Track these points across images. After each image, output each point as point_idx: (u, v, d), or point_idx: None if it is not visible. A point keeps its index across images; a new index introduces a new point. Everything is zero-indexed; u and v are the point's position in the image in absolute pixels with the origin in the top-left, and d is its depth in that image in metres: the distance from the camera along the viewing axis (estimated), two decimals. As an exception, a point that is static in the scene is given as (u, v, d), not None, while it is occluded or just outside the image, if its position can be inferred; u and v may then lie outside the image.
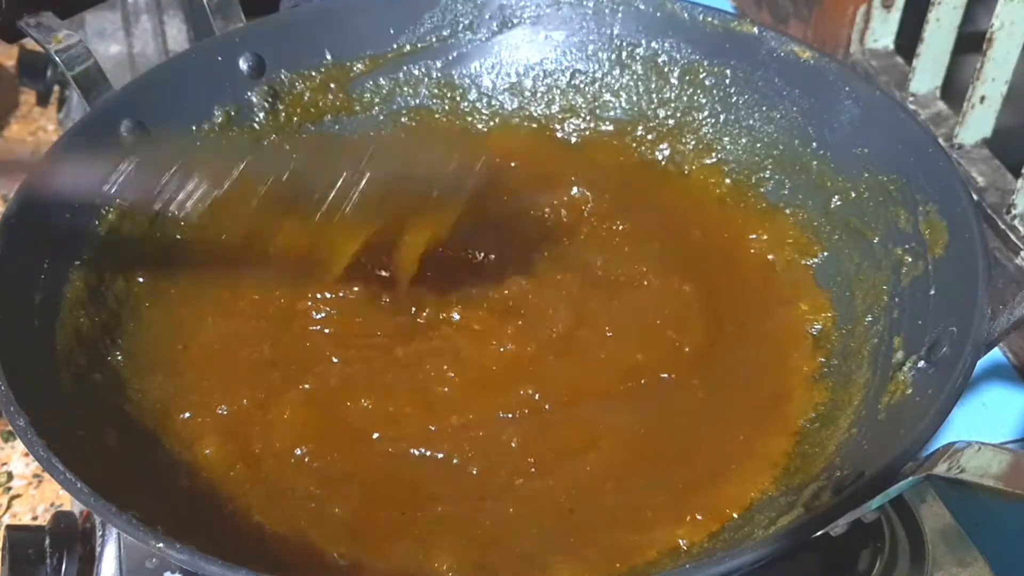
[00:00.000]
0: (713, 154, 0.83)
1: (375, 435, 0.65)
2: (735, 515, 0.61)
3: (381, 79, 0.85)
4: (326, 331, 0.71)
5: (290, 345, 0.71)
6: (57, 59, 0.72)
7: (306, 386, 0.67)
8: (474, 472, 0.63)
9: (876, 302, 0.70)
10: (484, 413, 0.66)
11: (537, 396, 0.67)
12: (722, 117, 0.84)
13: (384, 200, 0.68)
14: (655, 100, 0.86)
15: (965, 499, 0.68)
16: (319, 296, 0.72)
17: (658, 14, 0.84)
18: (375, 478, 0.63)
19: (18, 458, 0.99)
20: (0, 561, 0.67)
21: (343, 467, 0.64)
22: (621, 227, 0.78)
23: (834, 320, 0.72)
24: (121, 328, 0.70)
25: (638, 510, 0.62)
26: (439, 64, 0.86)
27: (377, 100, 0.85)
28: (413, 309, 0.71)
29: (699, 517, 0.61)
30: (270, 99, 0.82)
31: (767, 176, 0.81)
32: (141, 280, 0.73)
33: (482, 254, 0.76)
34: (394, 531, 0.61)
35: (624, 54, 0.86)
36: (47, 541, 0.67)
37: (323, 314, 0.71)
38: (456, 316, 0.71)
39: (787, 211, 0.79)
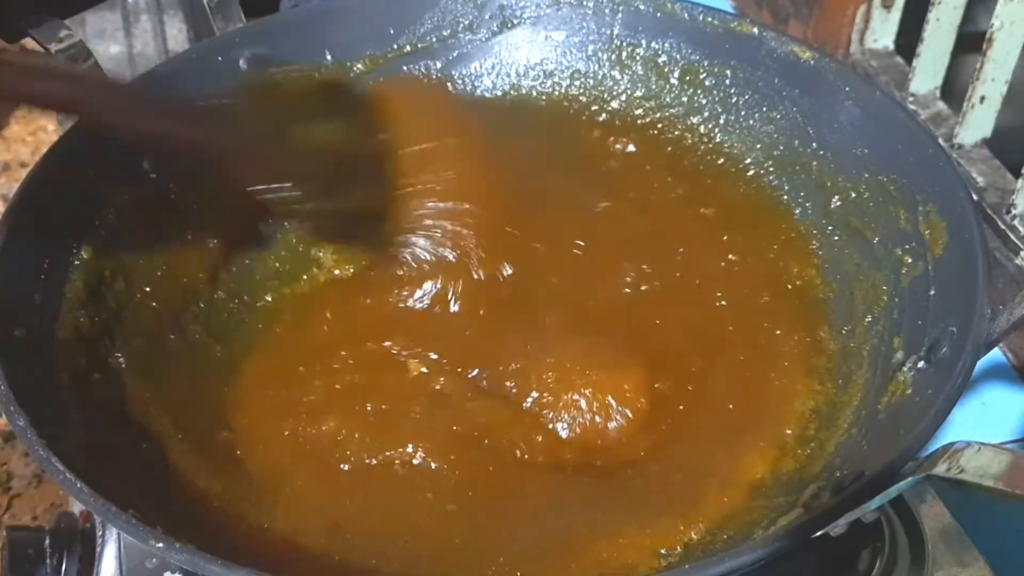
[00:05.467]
0: (714, 154, 0.83)
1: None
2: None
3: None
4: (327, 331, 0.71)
5: (290, 343, 0.71)
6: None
7: (309, 398, 0.67)
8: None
9: (876, 302, 0.70)
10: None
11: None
12: (722, 118, 0.84)
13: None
14: (655, 101, 0.86)
15: (965, 499, 0.68)
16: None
17: (658, 14, 0.84)
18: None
19: (18, 458, 0.99)
20: (0, 561, 0.67)
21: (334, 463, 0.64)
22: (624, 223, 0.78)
23: (832, 323, 0.72)
24: (121, 328, 0.70)
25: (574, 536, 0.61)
26: (439, 64, 0.86)
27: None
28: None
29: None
30: (270, 99, 0.82)
31: (768, 177, 0.81)
32: (142, 281, 0.73)
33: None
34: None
35: (624, 54, 0.86)
36: (47, 541, 0.67)
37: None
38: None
39: (787, 211, 0.79)
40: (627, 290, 0.74)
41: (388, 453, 0.64)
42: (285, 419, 0.66)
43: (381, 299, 0.73)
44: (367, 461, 0.64)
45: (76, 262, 0.69)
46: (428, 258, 0.72)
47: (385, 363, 0.70)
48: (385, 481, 0.64)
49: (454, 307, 0.72)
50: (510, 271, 0.73)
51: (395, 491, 0.63)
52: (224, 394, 0.69)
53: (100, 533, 0.66)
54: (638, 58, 0.86)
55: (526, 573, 0.59)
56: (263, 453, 0.65)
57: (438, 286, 0.72)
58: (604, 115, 0.87)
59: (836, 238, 0.76)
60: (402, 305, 0.72)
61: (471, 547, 0.60)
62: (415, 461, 0.64)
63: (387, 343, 0.70)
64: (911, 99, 1.00)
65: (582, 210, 0.79)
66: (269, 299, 0.75)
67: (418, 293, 0.72)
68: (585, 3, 0.86)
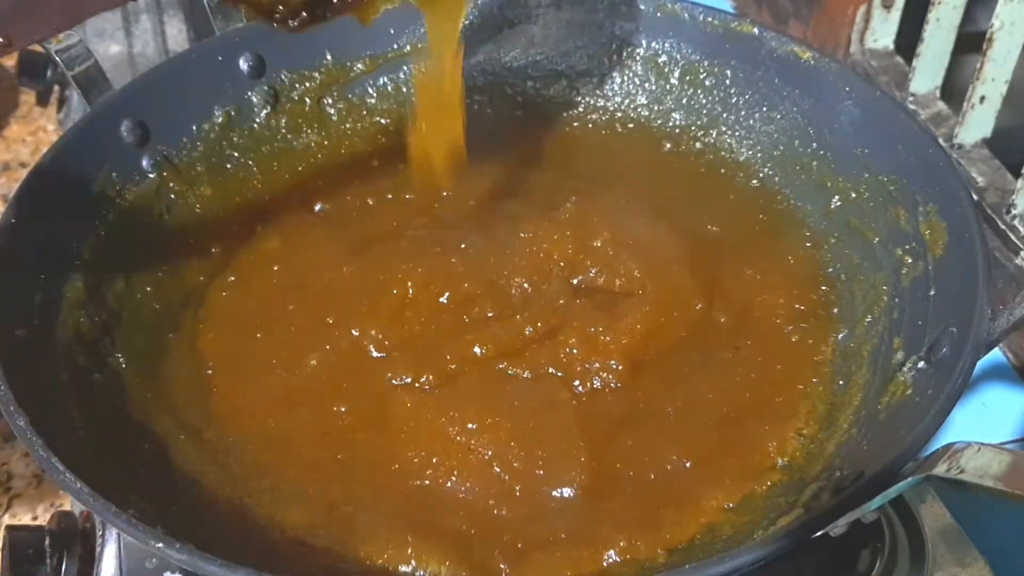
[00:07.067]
0: (714, 153, 0.83)
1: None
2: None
3: (382, 79, 0.85)
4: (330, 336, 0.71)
5: (292, 342, 0.71)
6: (57, 59, 0.72)
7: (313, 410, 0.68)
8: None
9: (876, 302, 0.70)
10: None
11: None
12: (722, 118, 0.84)
13: None
14: (655, 101, 0.86)
15: (965, 499, 0.68)
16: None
17: (658, 14, 0.84)
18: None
19: (18, 458, 0.99)
20: (0, 561, 0.67)
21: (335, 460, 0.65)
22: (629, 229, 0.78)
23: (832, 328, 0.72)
24: (121, 328, 0.70)
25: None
26: (439, 64, 0.86)
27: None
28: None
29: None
30: (271, 99, 0.82)
31: (771, 179, 0.81)
32: (142, 281, 0.73)
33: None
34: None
35: (624, 54, 0.86)
36: (47, 541, 0.66)
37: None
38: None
39: (788, 211, 0.79)
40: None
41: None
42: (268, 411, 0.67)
43: None
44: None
45: (76, 262, 0.69)
46: None
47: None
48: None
49: None
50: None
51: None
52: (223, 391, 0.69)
53: (100, 533, 0.66)
54: (638, 58, 0.86)
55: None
56: (253, 446, 0.65)
57: None
58: (604, 115, 0.87)
59: (836, 239, 0.76)
60: None
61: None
62: None
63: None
64: (911, 99, 1.00)
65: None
66: None
67: None
68: (585, 3, 0.86)
